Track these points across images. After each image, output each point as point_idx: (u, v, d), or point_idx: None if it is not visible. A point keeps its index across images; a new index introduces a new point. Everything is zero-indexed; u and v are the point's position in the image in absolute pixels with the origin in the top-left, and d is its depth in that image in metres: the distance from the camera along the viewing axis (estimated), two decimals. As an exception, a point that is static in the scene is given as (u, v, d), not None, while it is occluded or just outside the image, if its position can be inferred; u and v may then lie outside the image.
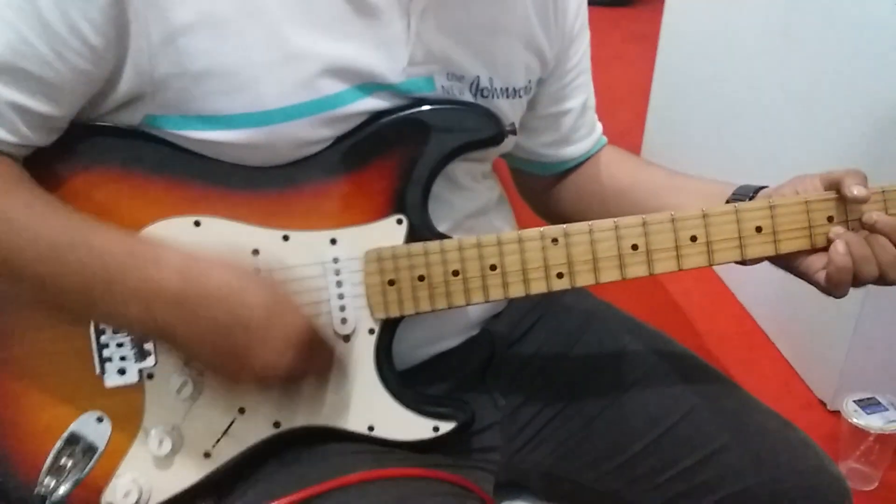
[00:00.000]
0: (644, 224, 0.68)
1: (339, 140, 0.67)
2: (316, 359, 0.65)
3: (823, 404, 1.43)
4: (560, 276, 0.68)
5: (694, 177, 0.85)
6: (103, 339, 0.65)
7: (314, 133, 0.66)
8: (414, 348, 0.75)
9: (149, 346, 0.65)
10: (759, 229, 0.69)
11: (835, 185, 0.69)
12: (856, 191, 0.67)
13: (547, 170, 0.89)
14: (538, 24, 0.77)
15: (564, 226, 0.68)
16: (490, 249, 0.67)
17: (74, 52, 0.58)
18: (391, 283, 0.67)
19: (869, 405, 1.15)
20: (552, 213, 0.92)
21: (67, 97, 0.61)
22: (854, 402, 1.15)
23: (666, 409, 0.79)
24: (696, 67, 1.96)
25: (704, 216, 0.69)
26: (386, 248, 0.67)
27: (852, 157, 1.21)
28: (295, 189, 0.67)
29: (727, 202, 0.76)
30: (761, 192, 0.75)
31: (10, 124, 0.60)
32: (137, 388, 0.66)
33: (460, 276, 0.68)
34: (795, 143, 1.50)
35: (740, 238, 0.69)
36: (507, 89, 0.76)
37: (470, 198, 0.78)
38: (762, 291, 1.70)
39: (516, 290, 0.68)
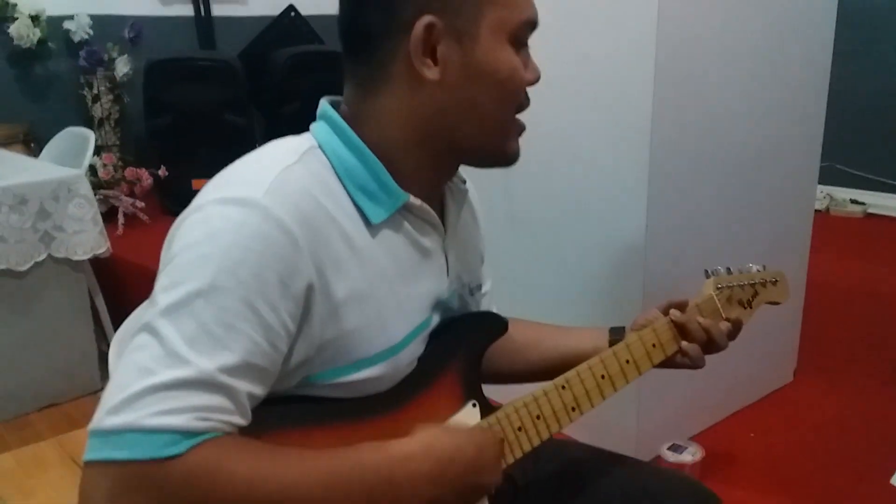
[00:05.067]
0: (602, 360, 1.06)
1: (420, 359, 0.94)
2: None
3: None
4: (573, 409, 1.02)
5: (570, 327, 1.22)
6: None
7: (416, 352, 0.92)
8: None
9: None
10: (654, 345, 1.11)
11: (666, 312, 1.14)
12: (672, 317, 1.11)
13: None
14: (480, 236, 1.12)
15: (563, 376, 1.02)
16: (541, 400, 0.99)
17: (282, 339, 0.76)
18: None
19: (676, 448, 1.64)
20: (486, 377, 1.18)
21: (270, 378, 0.78)
22: (667, 449, 1.64)
23: (616, 485, 1.15)
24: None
25: (628, 345, 1.09)
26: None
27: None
28: (403, 408, 0.91)
29: (609, 332, 1.16)
30: (629, 327, 1.17)
31: (243, 410, 0.75)
32: None
33: (541, 418, 0.98)
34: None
35: (647, 352, 1.11)
36: (477, 286, 1.09)
37: None
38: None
39: (554, 428, 1.00)
